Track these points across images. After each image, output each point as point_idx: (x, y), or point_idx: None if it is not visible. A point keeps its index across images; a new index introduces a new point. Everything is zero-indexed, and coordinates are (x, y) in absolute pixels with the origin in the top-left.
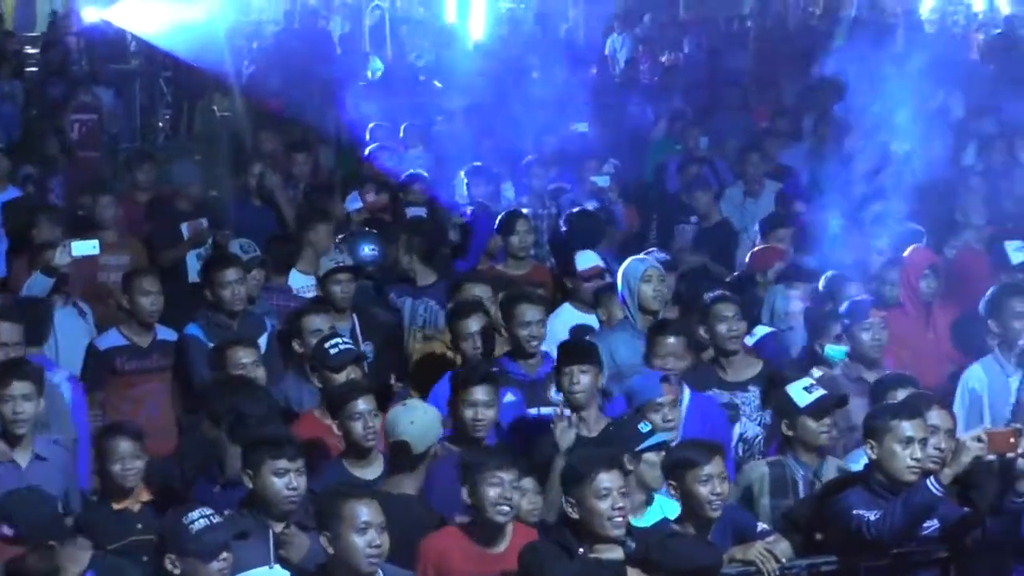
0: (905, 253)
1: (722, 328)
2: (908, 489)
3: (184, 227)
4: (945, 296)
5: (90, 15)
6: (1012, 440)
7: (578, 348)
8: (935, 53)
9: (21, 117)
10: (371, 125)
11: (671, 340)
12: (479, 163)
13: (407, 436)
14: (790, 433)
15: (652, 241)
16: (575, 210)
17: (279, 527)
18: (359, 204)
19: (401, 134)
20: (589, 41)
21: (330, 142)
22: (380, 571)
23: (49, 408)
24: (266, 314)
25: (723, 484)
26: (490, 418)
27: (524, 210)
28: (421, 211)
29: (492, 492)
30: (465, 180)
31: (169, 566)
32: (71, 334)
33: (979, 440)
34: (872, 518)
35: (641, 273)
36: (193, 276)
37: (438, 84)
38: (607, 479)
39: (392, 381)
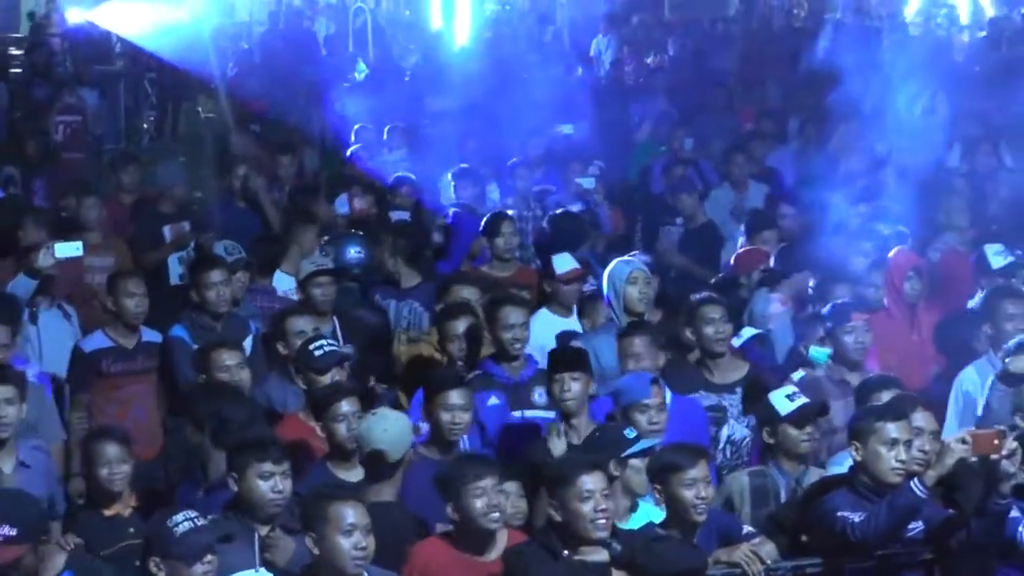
0: (890, 255)
1: (709, 330)
2: (892, 491)
3: (166, 230)
4: (929, 298)
5: (74, 16)
6: (996, 442)
7: (569, 355)
8: (919, 55)
9: (5, 119)
10: (356, 127)
11: (635, 341)
12: (465, 165)
13: (383, 445)
14: (772, 441)
15: (637, 243)
16: (557, 212)
17: (264, 530)
18: (347, 208)
19: (385, 136)
20: (575, 42)
21: (315, 143)
22: (365, 573)
23: (36, 411)
24: (251, 316)
25: (708, 488)
26: (466, 421)
27: (509, 212)
28: (405, 215)
29: (478, 503)
30: (452, 182)
31: (153, 569)
32: (55, 336)
33: (963, 442)
34: (857, 520)
35: (627, 275)
36: (175, 279)
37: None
38: (590, 481)
39: (372, 383)
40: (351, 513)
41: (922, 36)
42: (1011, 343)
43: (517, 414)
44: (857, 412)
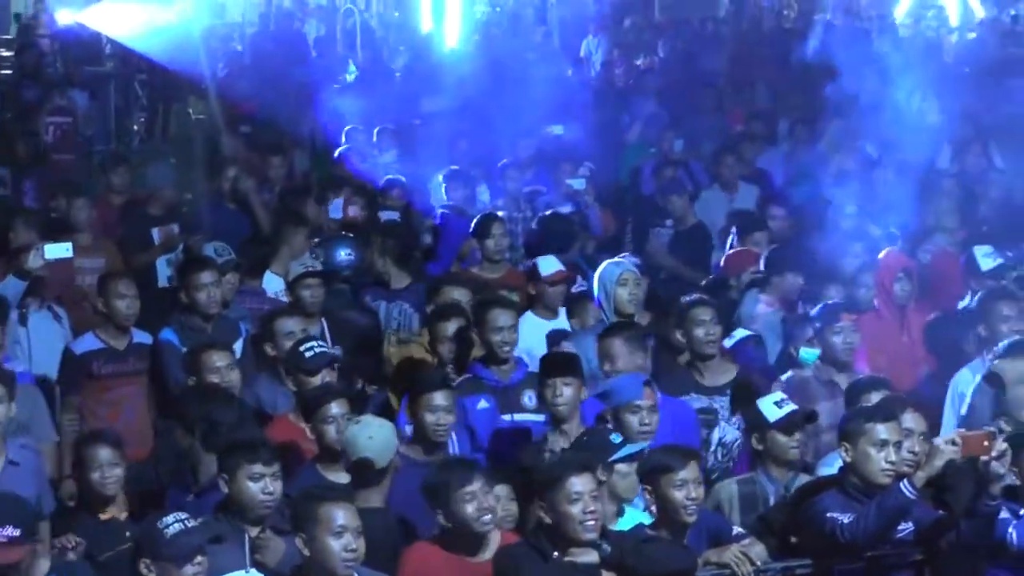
0: (880, 256)
1: (699, 332)
2: (882, 492)
3: (155, 232)
4: (919, 299)
5: (64, 17)
6: (986, 443)
7: (561, 360)
8: (909, 56)
9: None
10: (347, 128)
11: (612, 342)
12: (456, 167)
13: (369, 452)
14: (760, 447)
15: (627, 244)
16: (546, 214)
17: (255, 531)
18: (341, 214)
19: (374, 138)
20: (565, 44)
21: (305, 145)
22: (356, 574)
23: (29, 411)
24: (241, 318)
25: (698, 489)
26: (450, 422)
27: (499, 213)
28: (394, 215)
29: (469, 508)
30: (442, 184)
31: (144, 570)
32: (45, 338)
33: (952, 443)
34: (846, 521)
35: (617, 277)
36: (162, 281)
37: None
38: (578, 483)
39: (360, 385)
40: (341, 515)
41: (912, 37)
42: (1000, 345)
43: (507, 418)
44: (847, 413)
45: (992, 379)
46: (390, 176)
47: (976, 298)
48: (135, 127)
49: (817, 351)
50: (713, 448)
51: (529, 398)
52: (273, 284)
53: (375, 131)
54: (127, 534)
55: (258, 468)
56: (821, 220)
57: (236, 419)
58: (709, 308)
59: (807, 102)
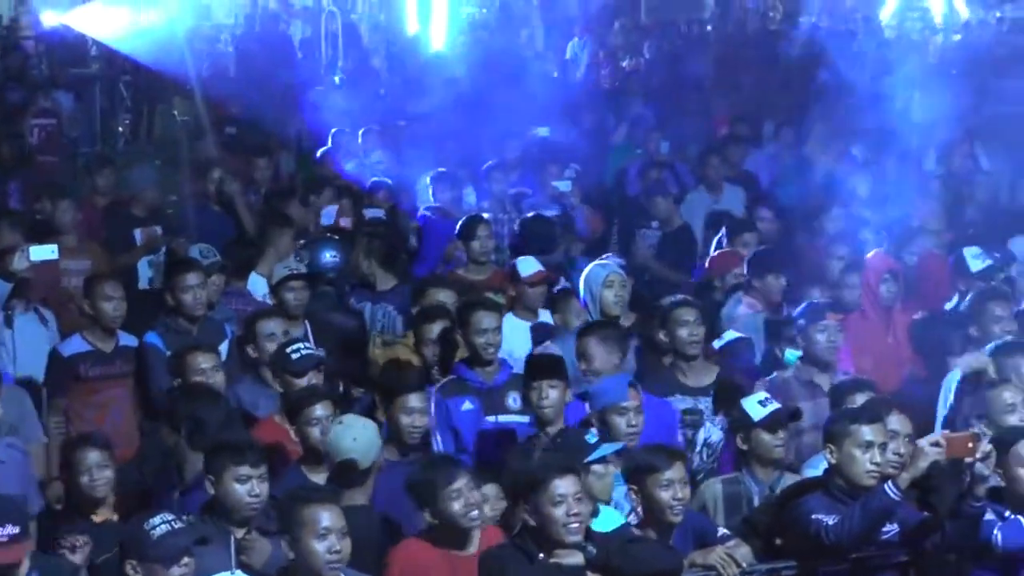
0: (868, 256)
1: (683, 333)
2: (866, 494)
3: (137, 233)
4: (905, 301)
5: (49, 19)
6: (970, 445)
7: (547, 363)
8: (895, 58)
9: None
10: (333, 130)
11: (587, 341)
12: (443, 168)
13: (353, 453)
14: (745, 447)
15: (613, 246)
16: (528, 215)
17: (240, 533)
18: (332, 221)
19: (359, 140)
20: (551, 45)
21: (290, 146)
22: (342, 575)
23: (18, 412)
24: (226, 320)
25: (684, 489)
26: (425, 424)
27: (485, 215)
28: (379, 212)
29: (456, 505)
30: (429, 186)
31: (130, 571)
32: (31, 340)
33: (937, 445)
34: (831, 522)
35: (603, 278)
36: (143, 283)
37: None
38: (562, 485)
39: (342, 387)
40: (326, 516)
41: (897, 39)
42: (988, 347)
43: (491, 419)
44: (832, 415)
45: (968, 378)
46: (376, 178)
47: (967, 299)
48: (120, 129)
49: (799, 352)
50: (698, 449)
51: (514, 400)
52: (259, 286)
53: (360, 132)
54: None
55: (245, 470)
56: (807, 221)
57: (223, 418)
58: (692, 309)
59: (792, 104)
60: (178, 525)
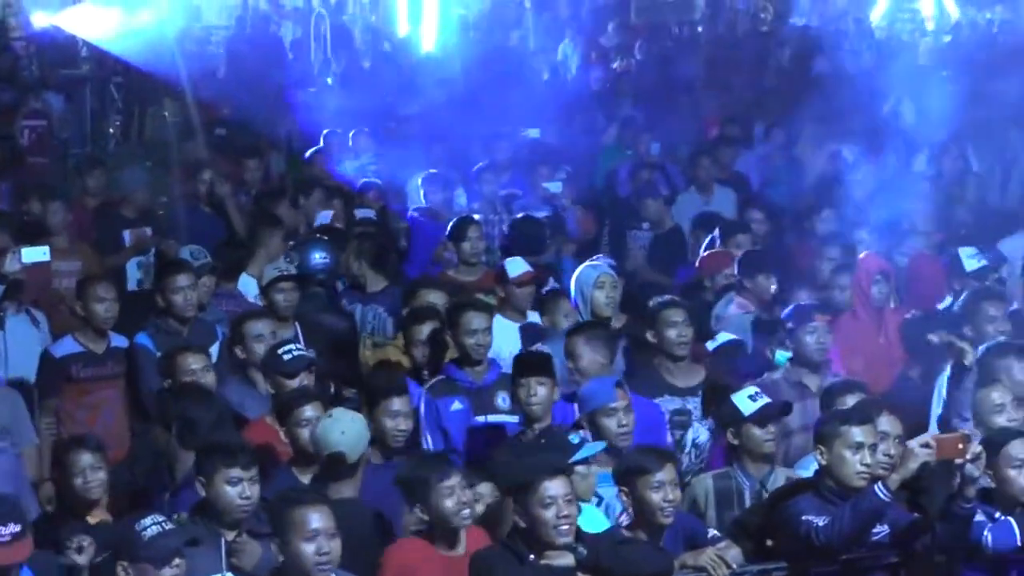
0: (860, 256)
1: (671, 333)
2: (856, 495)
3: (126, 234)
4: (897, 302)
5: (40, 20)
6: (960, 446)
7: (535, 360)
8: (885, 59)
9: None
10: (325, 131)
11: (575, 340)
12: (434, 170)
13: (342, 447)
14: (736, 442)
15: (603, 247)
16: (518, 216)
17: (231, 535)
18: (328, 222)
19: (350, 142)
20: (541, 47)
21: (281, 147)
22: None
23: (10, 414)
24: (217, 321)
25: (675, 491)
26: (409, 427)
27: (476, 216)
28: (370, 213)
29: (449, 503)
30: (421, 187)
31: (121, 573)
32: (22, 342)
33: (927, 446)
34: (821, 524)
35: (594, 279)
36: (132, 284)
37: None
38: (552, 487)
39: (332, 388)
40: (314, 518)
41: (887, 40)
42: (981, 348)
43: (481, 419)
44: (822, 416)
45: (957, 376)
46: (365, 179)
47: (961, 299)
48: (111, 130)
49: (789, 353)
50: (687, 449)
51: (503, 399)
52: (250, 287)
53: (351, 134)
54: None
55: (236, 472)
56: (798, 223)
57: (215, 418)
58: (680, 309)
59: (783, 106)
60: (169, 526)
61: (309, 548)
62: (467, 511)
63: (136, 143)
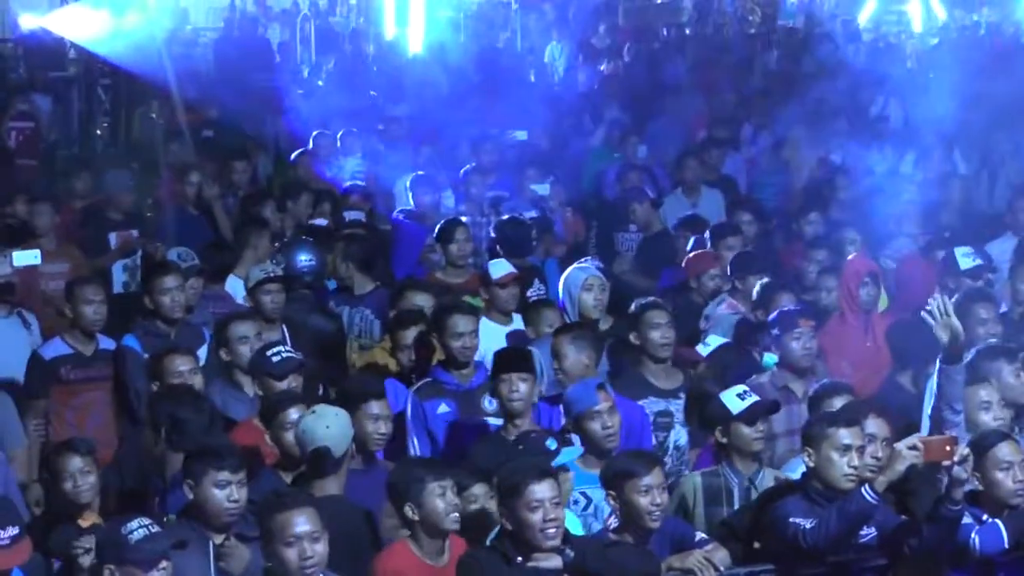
0: (848, 259)
1: (655, 335)
2: (844, 497)
3: (112, 236)
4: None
5: (27, 22)
6: (948, 448)
7: (516, 355)
8: (872, 61)
9: None
10: (315, 133)
11: (560, 340)
12: (422, 172)
13: (327, 442)
14: (724, 440)
15: (591, 249)
16: (504, 218)
17: (219, 538)
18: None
19: (338, 143)
20: (528, 49)
21: (268, 149)
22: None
23: (1, 416)
24: (205, 324)
25: (663, 495)
26: (389, 431)
27: (463, 218)
28: (359, 214)
29: (441, 504)
30: (409, 190)
31: None
32: (11, 344)
33: (915, 448)
34: (808, 526)
35: (582, 282)
36: (118, 287)
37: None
38: (539, 491)
39: (320, 390)
40: (297, 522)
41: (875, 42)
42: (972, 351)
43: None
44: (810, 418)
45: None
46: (351, 181)
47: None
48: (98, 132)
49: (776, 357)
50: (669, 452)
51: (489, 402)
52: (237, 289)
53: (338, 136)
54: None
55: (224, 475)
56: (785, 225)
57: (206, 419)
58: (664, 311)
59: (770, 108)
60: (155, 529)
61: (291, 553)
62: (456, 515)
63: (123, 145)
